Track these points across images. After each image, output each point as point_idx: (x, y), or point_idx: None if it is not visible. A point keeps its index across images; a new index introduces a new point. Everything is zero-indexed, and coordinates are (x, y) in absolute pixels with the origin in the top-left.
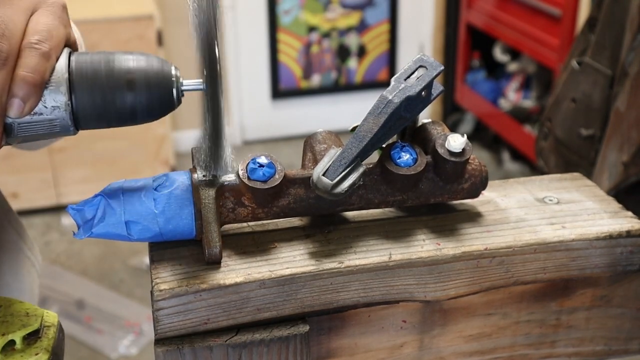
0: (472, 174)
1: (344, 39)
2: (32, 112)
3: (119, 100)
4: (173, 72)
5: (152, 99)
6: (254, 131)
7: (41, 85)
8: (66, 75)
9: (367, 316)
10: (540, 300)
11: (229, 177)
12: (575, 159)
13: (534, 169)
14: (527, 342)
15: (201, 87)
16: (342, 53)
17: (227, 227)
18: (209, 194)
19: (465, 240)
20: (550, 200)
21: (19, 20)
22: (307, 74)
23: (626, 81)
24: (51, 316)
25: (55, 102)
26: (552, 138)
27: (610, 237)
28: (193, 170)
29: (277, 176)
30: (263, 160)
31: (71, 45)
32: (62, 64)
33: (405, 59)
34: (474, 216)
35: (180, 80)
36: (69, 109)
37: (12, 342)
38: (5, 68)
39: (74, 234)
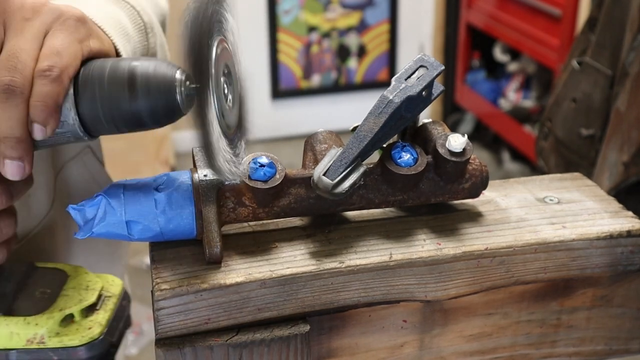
0: (473, 173)
1: (344, 39)
2: None
3: (121, 105)
4: (177, 76)
5: (155, 105)
6: (254, 131)
7: (55, 109)
8: (71, 90)
9: (368, 316)
10: (540, 300)
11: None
12: (575, 158)
13: (534, 169)
14: (528, 342)
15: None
16: (342, 53)
17: (227, 227)
18: (209, 194)
19: (466, 240)
20: (551, 200)
21: (30, 48)
22: (307, 74)
23: (626, 81)
24: (115, 285)
25: (63, 117)
26: (552, 138)
27: (610, 237)
28: (193, 170)
29: (277, 176)
30: (264, 160)
31: (95, 55)
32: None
33: (405, 59)
34: (474, 216)
35: (188, 84)
36: (76, 121)
37: (72, 316)
38: (23, 99)
39: (75, 233)
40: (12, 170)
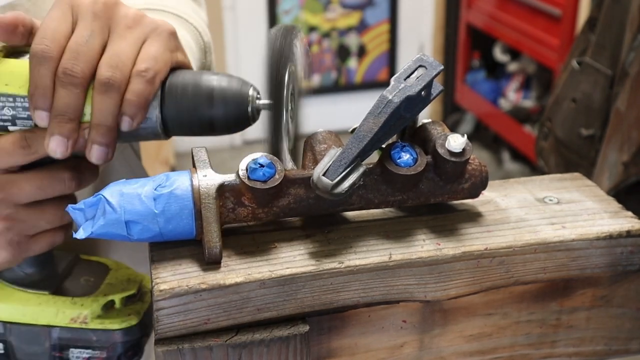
0: (472, 174)
1: (344, 39)
2: None
3: (200, 114)
4: (250, 92)
5: (229, 115)
6: (254, 131)
7: (145, 106)
8: (159, 93)
9: (368, 316)
10: (540, 300)
11: (229, 177)
12: (575, 159)
13: (534, 169)
14: (528, 342)
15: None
16: (342, 53)
17: (227, 227)
18: (209, 194)
19: (466, 240)
20: (551, 200)
21: (131, 51)
22: (307, 74)
23: (626, 81)
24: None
25: (148, 114)
26: (552, 138)
27: (610, 237)
28: (193, 170)
29: (277, 176)
30: (263, 160)
31: (180, 65)
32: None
33: (405, 59)
34: (474, 216)
35: (257, 100)
36: (159, 120)
37: (113, 302)
38: (119, 93)
39: (74, 233)
40: (98, 155)
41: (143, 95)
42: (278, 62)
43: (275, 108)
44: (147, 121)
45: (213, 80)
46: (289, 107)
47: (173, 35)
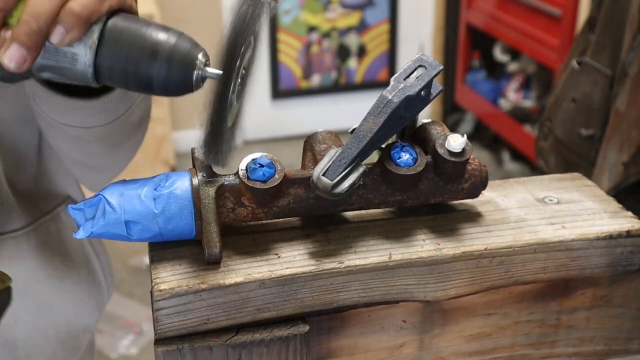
0: (472, 174)
1: (344, 39)
2: None
3: (139, 65)
4: (200, 56)
5: (171, 75)
6: (253, 131)
7: (85, 23)
8: (104, 19)
9: (367, 316)
10: (540, 300)
11: (229, 177)
12: (575, 159)
13: (534, 169)
14: (527, 342)
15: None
16: (342, 53)
17: (227, 227)
18: (208, 194)
19: (465, 240)
20: (550, 200)
21: None
22: (307, 74)
23: (626, 81)
24: (4, 278)
25: (85, 39)
26: (552, 138)
27: (610, 237)
28: (193, 170)
29: (277, 176)
30: (263, 160)
31: (129, 11)
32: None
33: (405, 59)
34: (474, 216)
35: (206, 66)
36: (93, 48)
37: None
38: None
39: (74, 234)
40: (13, 55)
41: (87, 8)
42: (238, 31)
43: (224, 79)
44: (80, 46)
45: (161, 34)
46: (238, 81)
47: None
